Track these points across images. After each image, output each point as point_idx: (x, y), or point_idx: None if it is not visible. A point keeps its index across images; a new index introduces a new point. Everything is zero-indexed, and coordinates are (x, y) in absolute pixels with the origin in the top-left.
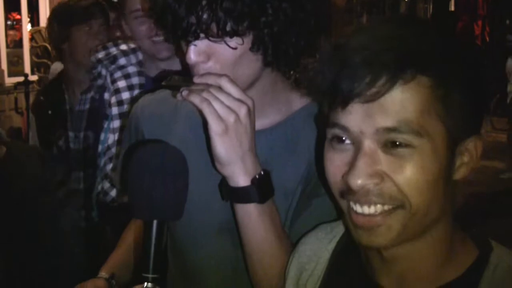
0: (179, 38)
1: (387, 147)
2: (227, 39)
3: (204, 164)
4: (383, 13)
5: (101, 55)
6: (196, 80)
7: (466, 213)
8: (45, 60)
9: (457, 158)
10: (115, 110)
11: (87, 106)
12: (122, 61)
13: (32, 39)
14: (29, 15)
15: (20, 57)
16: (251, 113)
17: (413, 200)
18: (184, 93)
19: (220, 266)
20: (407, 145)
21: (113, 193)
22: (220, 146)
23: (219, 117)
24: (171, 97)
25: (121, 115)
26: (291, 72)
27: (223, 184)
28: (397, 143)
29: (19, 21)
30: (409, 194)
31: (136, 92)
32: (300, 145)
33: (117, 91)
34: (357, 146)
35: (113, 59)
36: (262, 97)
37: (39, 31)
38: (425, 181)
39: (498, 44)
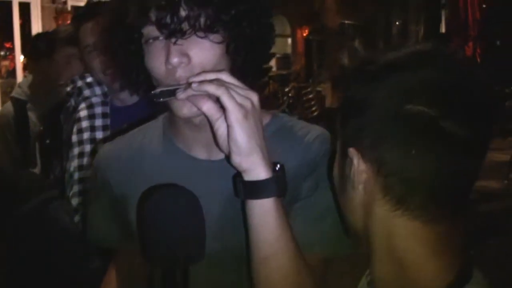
0: (166, 36)
1: None
2: (211, 35)
3: None
4: (375, 36)
5: (69, 88)
6: (193, 79)
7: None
8: None
9: (349, 168)
10: (74, 138)
11: None
12: (86, 92)
13: (25, 69)
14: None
15: (14, 87)
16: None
17: None
18: (195, 85)
19: None
20: None
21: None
22: (242, 133)
23: (238, 103)
24: (133, 141)
25: (80, 143)
26: (284, 98)
27: (238, 181)
28: None
29: (12, 51)
30: None
31: (97, 121)
32: (272, 159)
33: (79, 120)
34: None
35: (79, 91)
36: None
37: None
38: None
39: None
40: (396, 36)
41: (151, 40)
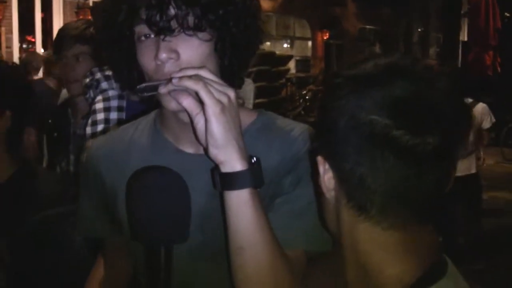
0: (156, 34)
1: None
2: (200, 33)
3: None
4: (396, 42)
5: (88, 80)
6: (174, 75)
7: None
8: None
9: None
10: (88, 130)
11: None
12: (104, 85)
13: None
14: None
15: None
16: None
17: None
18: (175, 80)
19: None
20: None
21: None
22: (218, 126)
23: (216, 98)
24: (124, 134)
25: (93, 135)
26: (301, 100)
27: (215, 173)
28: None
29: (33, 44)
30: None
31: (112, 114)
32: (255, 154)
33: (94, 112)
34: None
35: (97, 83)
36: None
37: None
38: None
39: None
40: (417, 42)
41: (142, 38)
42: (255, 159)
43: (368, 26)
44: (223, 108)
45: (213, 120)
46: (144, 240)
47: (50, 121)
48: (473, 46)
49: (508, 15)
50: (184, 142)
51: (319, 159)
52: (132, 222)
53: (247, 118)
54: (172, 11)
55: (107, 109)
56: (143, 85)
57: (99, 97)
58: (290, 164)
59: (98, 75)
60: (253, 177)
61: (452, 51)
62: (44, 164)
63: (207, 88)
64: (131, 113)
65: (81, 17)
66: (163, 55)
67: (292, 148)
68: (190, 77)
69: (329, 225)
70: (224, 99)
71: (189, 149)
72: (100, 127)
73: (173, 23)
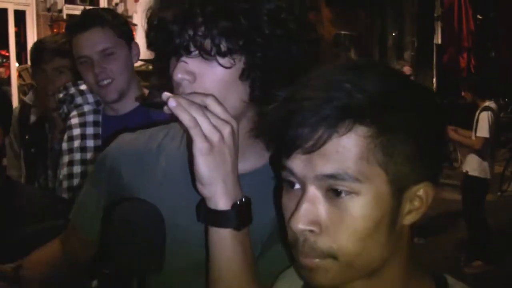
0: (171, 53)
1: (330, 196)
2: (219, 58)
3: (184, 203)
4: (371, 47)
5: (61, 95)
6: (173, 97)
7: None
8: None
9: (405, 204)
10: (64, 146)
11: None
12: (78, 100)
13: (20, 76)
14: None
15: (8, 95)
16: (234, 134)
17: (347, 252)
18: (172, 104)
19: None
20: (348, 193)
21: None
22: (203, 165)
23: (204, 136)
24: (154, 136)
25: (70, 151)
26: None
27: (201, 204)
28: (339, 190)
29: (7, 59)
30: (344, 248)
31: (88, 129)
32: (273, 192)
33: (69, 127)
34: (303, 190)
35: (71, 98)
36: (245, 137)
37: (27, 69)
38: (365, 229)
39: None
40: (392, 46)
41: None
42: (243, 199)
43: (343, 32)
44: (210, 148)
45: (198, 158)
46: (117, 268)
47: (27, 136)
48: (447, 48)
49: (480, 17)
50: None
51: (428, 185)
52: (106, 250)
53: None
54: (190, 32)
55: (82, 124)
56: (154, 100)
57: (74, 112)
58: None
59: (72, 90)
60: (236, 218)
61: (427, 54)
62: (22, 180)
63: (198, 128)
64: (107, 128)
65: (55, 30)
66: (177, 76)
67: None
68: (190, 104)
69: (375, 256)
70: (215, 138)
71: None
72: (76, 143)
73: (191, 45)
